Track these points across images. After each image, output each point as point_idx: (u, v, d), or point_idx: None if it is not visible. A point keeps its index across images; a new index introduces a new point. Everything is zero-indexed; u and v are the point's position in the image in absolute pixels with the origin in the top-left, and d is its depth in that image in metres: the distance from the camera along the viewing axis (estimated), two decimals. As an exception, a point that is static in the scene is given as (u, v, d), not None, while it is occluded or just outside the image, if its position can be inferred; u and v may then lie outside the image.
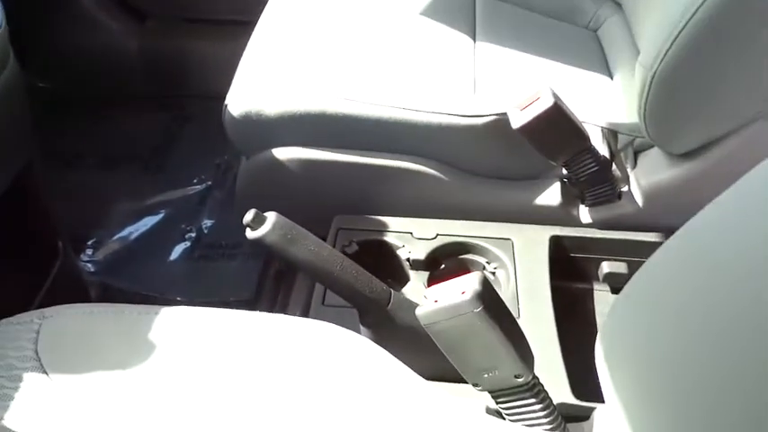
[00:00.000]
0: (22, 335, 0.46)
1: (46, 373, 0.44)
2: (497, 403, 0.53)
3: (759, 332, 0.30)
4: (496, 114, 0.76)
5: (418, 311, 0.49)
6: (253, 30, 0.91)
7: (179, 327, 0.50)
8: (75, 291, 0.89)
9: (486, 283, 0.48)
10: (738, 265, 0.32)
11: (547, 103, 0.69)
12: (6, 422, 0.41)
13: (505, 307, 0.51)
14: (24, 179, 0.75)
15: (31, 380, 0.44)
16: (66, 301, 0.52)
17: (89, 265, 1.04)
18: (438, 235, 0.78)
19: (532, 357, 0.52)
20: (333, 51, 0.85)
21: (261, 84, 0.81)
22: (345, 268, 0.56)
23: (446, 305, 0.48)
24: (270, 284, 0.98)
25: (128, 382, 0.46)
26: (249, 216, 0.54)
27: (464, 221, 0.80)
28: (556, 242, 0.79)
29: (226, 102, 0.82)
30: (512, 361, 0.49)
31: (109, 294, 1.00)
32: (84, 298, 0.92)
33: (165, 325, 0.50)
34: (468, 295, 0.47)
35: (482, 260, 0.78)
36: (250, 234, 0.54)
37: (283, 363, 0.49)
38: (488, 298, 0.48)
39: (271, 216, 0.54)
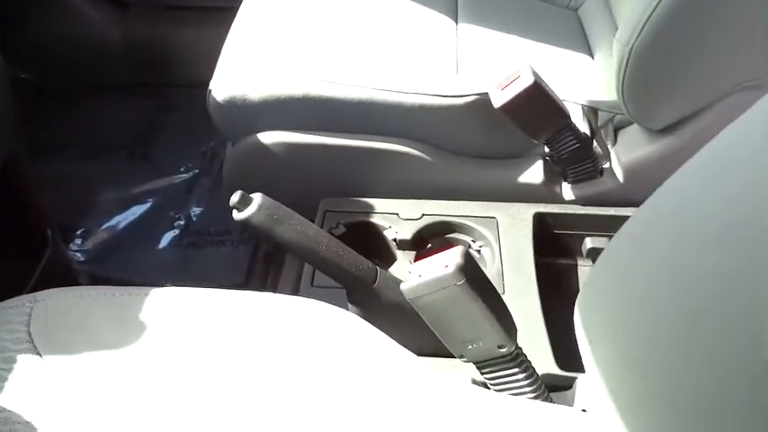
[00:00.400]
0: (14, 318, 0.47)
1: (39, 355, 0.45)
2: (482, 374, 0.55)
3: (725, 295, 0.31)
4: (477, 94, 0.77)
5: (403, 286, 0.50)
6: (234, 16, 0.91)
7: (170, 307, 0.51)
8: (64, 280, 0.90)
9: (468, 257, 0.50)
10: (702, 232, 0.34)
11: (527, 81, 0.70)
12: (1, 402, 0.42)
13: (487, 279, 0.52)
14: (10, 170, 0.75)
15: (24, 361, 0.45)
16: (57, 290, 0.52)
17: (78, 254, 1.05)
18: (423, 215, 0.79)
19: (515, 328, 0.53)
20: (315, 35, 0.86)
21: (245, 68, 0.81)
22: (331, 247, 0.57)
23: (430, 279, 0.49)
24: (260, 268, 0.99)
25: (120, 362, 0.46)
26: (235, 197, 0.54)
27: (449, 201, 0.81)
28: (539, 219, 0.80)
29: (210, 87, 0.82)
30: (494, 332, 0.51)
31: (98, 283, 1.00)
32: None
33: (155, 305, 0.51)
34: (451, 269, 0.48)
35: (467, 239, 0.80)
36: (237, 215, 0.55)
37: (273, 339, 0.50)
38: (470, 271, 0.49)
39: (257, 197, 0.55)
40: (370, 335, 0.51)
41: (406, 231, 0.77)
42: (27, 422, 0.41)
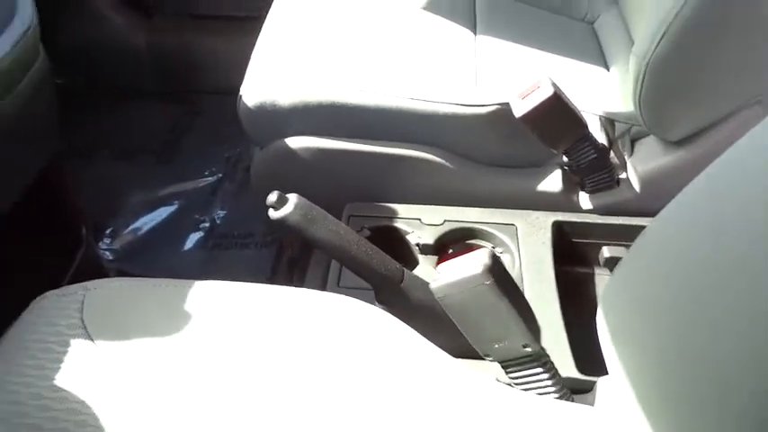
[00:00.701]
0: (68, 305, 0.50)
1: (91, 340, 0.48)
2: (507, 374, 0.56)
3: (750, 294, 0.33)
4: (499, 104, 0.79)
5: (432, 285, 0.53)
6: (259, 26, 0.93)
7: (212, 298, 0.54)
8: (96, 277, 0.92)
9: (495, 258, 0.52)
10: (711, 240, 0.35)
11: (547, 92, 0.72)
12: (57, 382, 0.45)
13: (513, 281, 0.54)
14: (51, 170, 0.78)
15: (78, 345, 0.48)
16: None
17: (107, 253, 1.07)
18: (445, 221, 0.81)
19: (539, 329, 0.55)
20: (342, 44, 0.88)
21: (274, 75, 0.84)
22: (361, 247, 0.60)
23: (459, 278, 0.51)
24: (283, 270, 1.02)
25: (166, 349, 0.49)
26: (273, 197, 0.57)
27: (470, 208, 0.83)
28: (558, 228, 0.81)
29: (240, 92, 0.84)
30: (520, 331, 0.53)
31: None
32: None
33: (199, 297, 0.54)
34: (480, 269, 0.50)
35: (488, 245, 0.81)
36: (273, 214, 0.57)
37: (313, 333, 0.52)
38: (498, 271, 0.51)
39: (292, 197, 0.58)
40: (401, 330, 0.54)
41: (429, 236, 0.79)
42: (82, 401, 0.44)
